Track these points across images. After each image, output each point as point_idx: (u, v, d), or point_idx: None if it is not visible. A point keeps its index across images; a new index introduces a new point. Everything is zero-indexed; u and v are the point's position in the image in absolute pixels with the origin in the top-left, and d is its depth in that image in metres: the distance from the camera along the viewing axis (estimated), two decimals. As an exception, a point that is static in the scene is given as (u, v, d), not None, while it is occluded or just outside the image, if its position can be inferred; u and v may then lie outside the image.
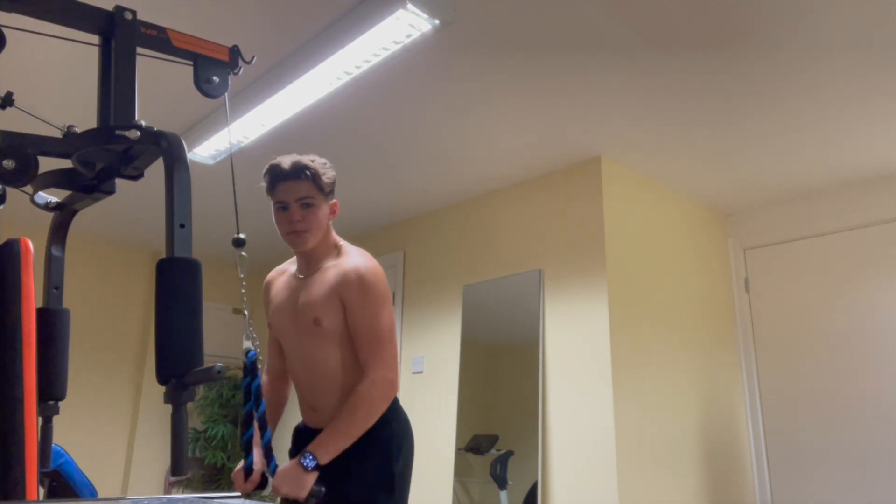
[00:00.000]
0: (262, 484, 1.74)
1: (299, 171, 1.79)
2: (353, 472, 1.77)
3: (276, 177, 1.81)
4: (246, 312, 1.52)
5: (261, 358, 1.52)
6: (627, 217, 3.34)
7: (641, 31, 2.29)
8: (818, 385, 3.58)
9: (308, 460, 1.65)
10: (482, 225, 3.79)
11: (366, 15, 2.18)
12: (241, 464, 1.69)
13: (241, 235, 1.28)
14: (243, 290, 1.47)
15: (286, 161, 1.81)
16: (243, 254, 1.32)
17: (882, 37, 2.28)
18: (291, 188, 1.80)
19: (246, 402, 1.49)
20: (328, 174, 1.84)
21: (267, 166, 1.83)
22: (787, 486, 3.61)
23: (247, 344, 1.46)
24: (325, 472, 1.76)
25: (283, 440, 2.32)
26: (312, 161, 1.82)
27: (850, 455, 3.40)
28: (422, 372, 3.87)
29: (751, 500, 3.69)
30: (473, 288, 3.71)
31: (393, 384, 1.78)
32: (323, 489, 1.66)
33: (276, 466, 1.64)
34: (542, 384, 3.22)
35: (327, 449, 1.69)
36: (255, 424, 1.51)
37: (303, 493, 1.63)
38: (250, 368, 1.47)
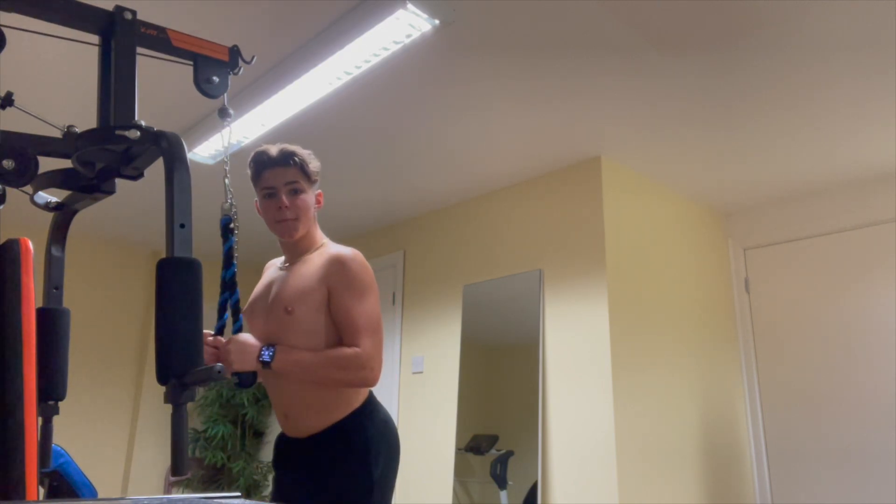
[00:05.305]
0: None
1: (287, 157, 1.80)
2: (329, 480, 1.70)
3: (263, 164, 1.81)
4: (226, 168, 1.44)
5: (235, 221, 1.46)
6: (627, 217, 3.34)
7: (642, 32, 2.29)
8: (818, 385, 3.58)
9: (268, 352, 1.64)
10: (482, 225, 3.79)
11: (366, 15, 2.18)
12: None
13: (230, 110, 1.27)
14: (226, 146, 1.35)
15: (272, 148, 1.82)
16: (228, 126, 1.30)
17: (882, 37, 2.28)
18: (279, 174, 1.80)
19: (225, 268, 1.49)
20: (314, 163, 1.86)
21: (252, 154, 1.84)
22: (787, 486, 3.61)
23: (225, 206, 1.42)
24: (302, 477, 1.72)
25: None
26: (298, 150, 1.84)
27: (850, 455, 3.40)
28: (422, 372, 3.86)
29: (751, 500, 3.69)
30: (473, 288, 3.71)
31: (373, 371, 1.70)
32: (252, 381, 1.64)
33: (240, 328, 1.62)
34: (542, 384, 3.22)
35: (287, 359, 1.66)
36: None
37: (236, 368, 1.61)
38: (224, 231, 1.44)
